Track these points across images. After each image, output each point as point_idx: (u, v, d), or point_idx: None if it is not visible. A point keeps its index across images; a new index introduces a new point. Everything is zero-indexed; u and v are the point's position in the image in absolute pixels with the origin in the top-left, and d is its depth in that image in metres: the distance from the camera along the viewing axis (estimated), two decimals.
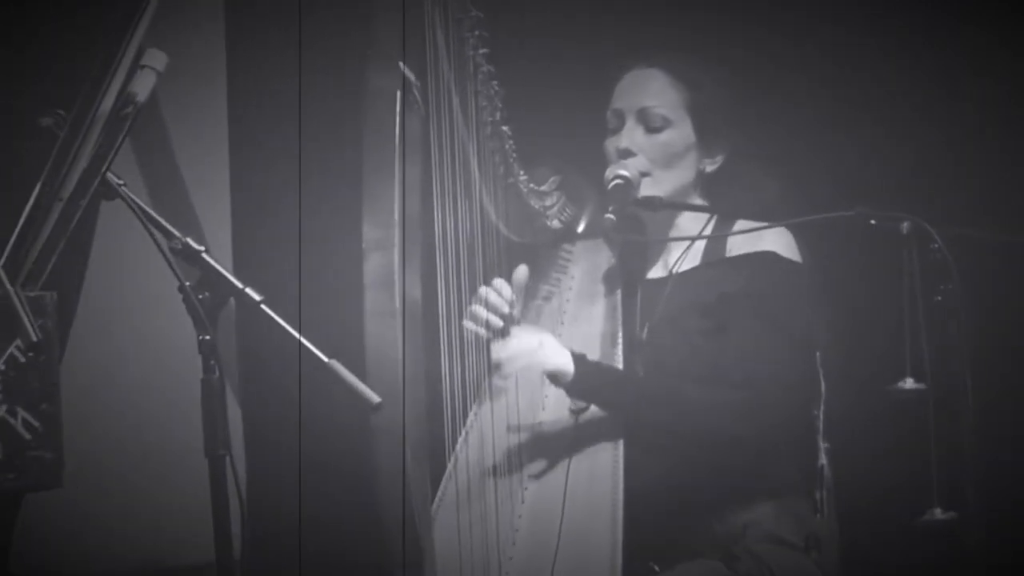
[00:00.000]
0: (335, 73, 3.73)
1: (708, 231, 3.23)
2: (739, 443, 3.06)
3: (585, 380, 3.07)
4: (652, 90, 3.25)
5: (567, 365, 3.06)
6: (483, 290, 3.13)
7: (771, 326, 3.07)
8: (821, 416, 3.17)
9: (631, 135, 3.23)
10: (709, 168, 3.27)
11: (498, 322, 3.13)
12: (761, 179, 3.24)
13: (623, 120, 3.25)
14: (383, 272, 2.81)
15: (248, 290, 2.47)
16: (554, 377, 3.08)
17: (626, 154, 3.22)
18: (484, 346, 3.11)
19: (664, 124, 3.22)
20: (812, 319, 3.13)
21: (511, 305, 3.15)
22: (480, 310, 3.12)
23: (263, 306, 2.46)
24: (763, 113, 3.53)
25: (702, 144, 3.25)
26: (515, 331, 3.12)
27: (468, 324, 3.11)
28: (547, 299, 3.31)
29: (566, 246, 3.41)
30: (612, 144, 3.25)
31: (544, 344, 3.09)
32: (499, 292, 3.14)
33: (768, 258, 3.13)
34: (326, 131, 3.79)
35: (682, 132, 3.24)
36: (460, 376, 2.98)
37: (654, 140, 3.22)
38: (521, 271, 3.20)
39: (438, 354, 2.94)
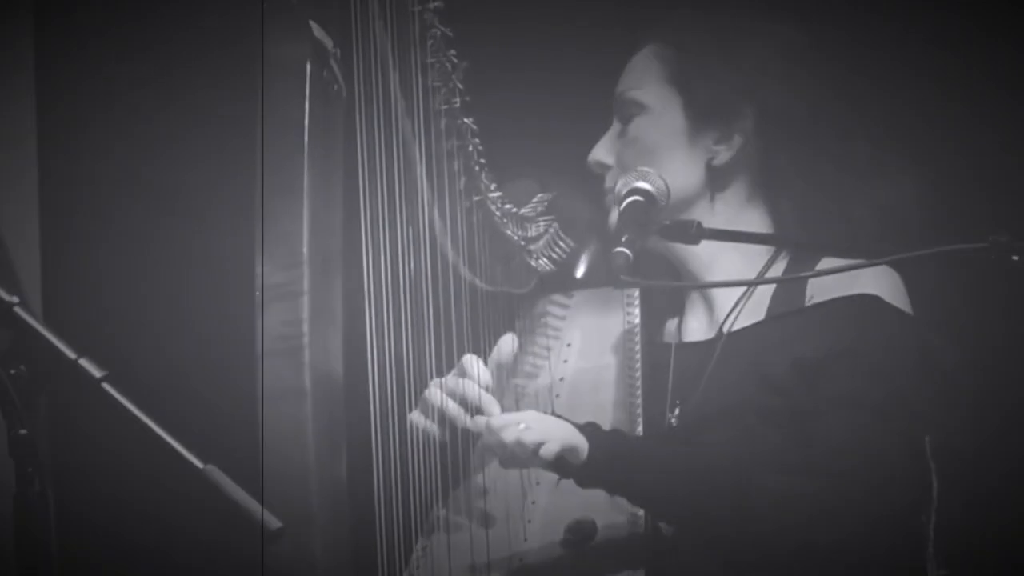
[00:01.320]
0: (213, 40, 3.73)
1: (776, 271, 3.22)
2: (817, 555, 3.06)
3: (605, 457, 2.98)
4: (634, 70, 3.29)
5: (574, 438, 2.99)
6: (452, 376, 3.08)
7: (867, 400, 3.06)
8: (932, 527, 3.18)
9: (608, 138, 3.27)
10: (720, 159, 3.24)
11: (463, 417, 3.09)
12: (851, 197, 3.24)
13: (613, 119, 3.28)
14: (286, 333, 2.79)
15: (83, 361, 2.45)
16: (562, 460, 2.98)
17: (599, 168, 3.26)
18: (436, 447, 3.07)
19: (637, 110, 3.24)
20: (924, 391, 3.13)
21: (487, 392, 3.09)
22: (437, 395, 3.08)
23: (106, 385, 2.46)
24: (833, 68, 3.50)
25: (698, 122, 3.24)
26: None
27: (416, 418, 3.07)
28: (532, 376, 3.29)
29: (559, 297, 3.39)
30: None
31: (531, 421, 3.00)
32: (470, 374, 3.09)
33: (866, 304, 3.11)
34: (199, 125, 3.78)
35: (663, 115, 3.24)
36: (400, 490, 2.96)
37: (625, 137, 3.25)
38: (505, 347, 3.16)
39: (368, 456, 2.91)
